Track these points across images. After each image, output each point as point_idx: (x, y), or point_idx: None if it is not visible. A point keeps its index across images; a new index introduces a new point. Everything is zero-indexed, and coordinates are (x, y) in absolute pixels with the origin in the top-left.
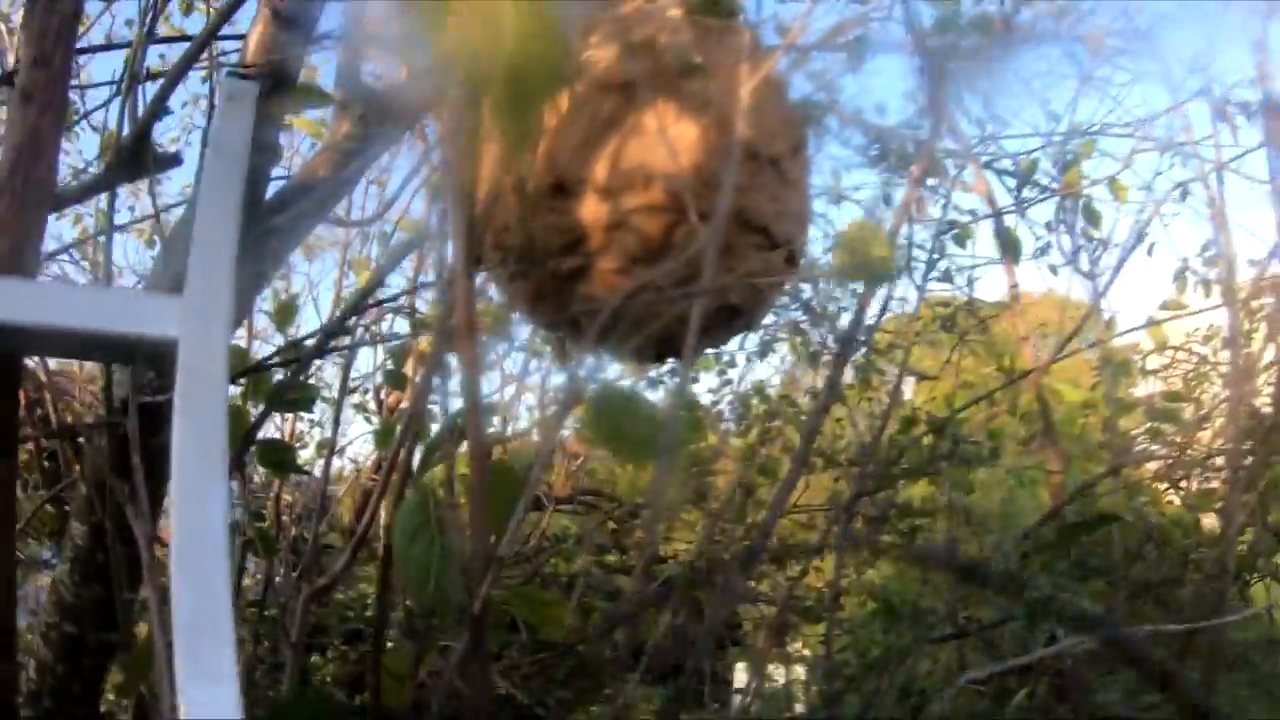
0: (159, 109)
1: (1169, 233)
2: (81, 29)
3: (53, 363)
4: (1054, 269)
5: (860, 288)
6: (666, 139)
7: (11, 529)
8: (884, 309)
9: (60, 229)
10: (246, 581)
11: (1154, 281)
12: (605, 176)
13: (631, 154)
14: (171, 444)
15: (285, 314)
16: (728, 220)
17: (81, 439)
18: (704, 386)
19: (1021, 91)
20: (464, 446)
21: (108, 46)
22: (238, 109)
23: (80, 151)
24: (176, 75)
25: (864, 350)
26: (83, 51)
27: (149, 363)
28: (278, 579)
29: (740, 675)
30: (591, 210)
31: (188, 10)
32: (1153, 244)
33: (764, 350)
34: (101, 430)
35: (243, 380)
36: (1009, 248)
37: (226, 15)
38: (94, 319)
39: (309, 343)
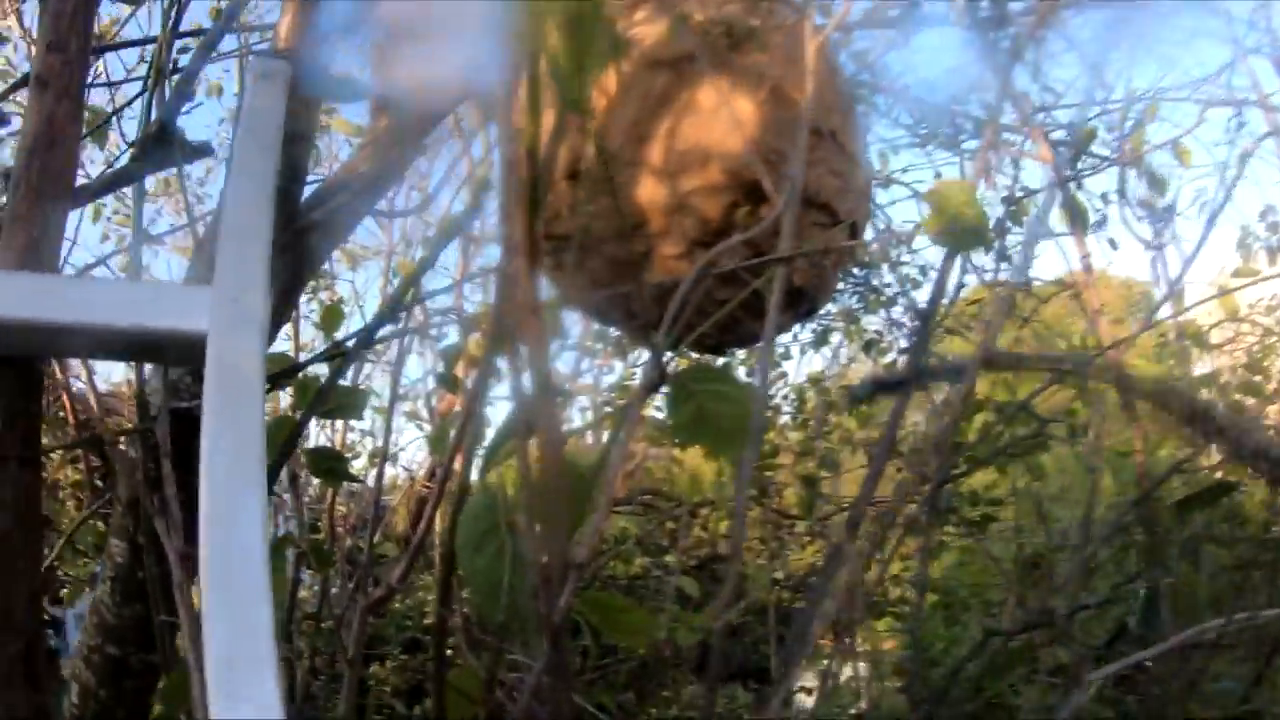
0: (183, 95)
1: (1231, 196)
2: (113, 28)
3: (102, 383)
4: (1113, 243)
5: (944, 255)
6: (722, 116)
7: (38, 544)
8: (960, 285)
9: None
10: (303, 593)
11: (1212, 249)
12: (661, 157)
13: (686, 133)
14: (201, 450)
15: (332, 319)
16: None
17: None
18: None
19: (1073, 58)
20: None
21: (134, 43)
22: (269, 88)
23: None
24: (199, 59)
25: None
26: (112, 48)
27: (182, 362)
28: (333, 590)
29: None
30: (648, 193)
31: (217, 14)
32: (1214, 210)
33: (820, 340)
34: (135, 440)
35: (287, 386)
36: (1078, 218)
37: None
38: (115, 314)
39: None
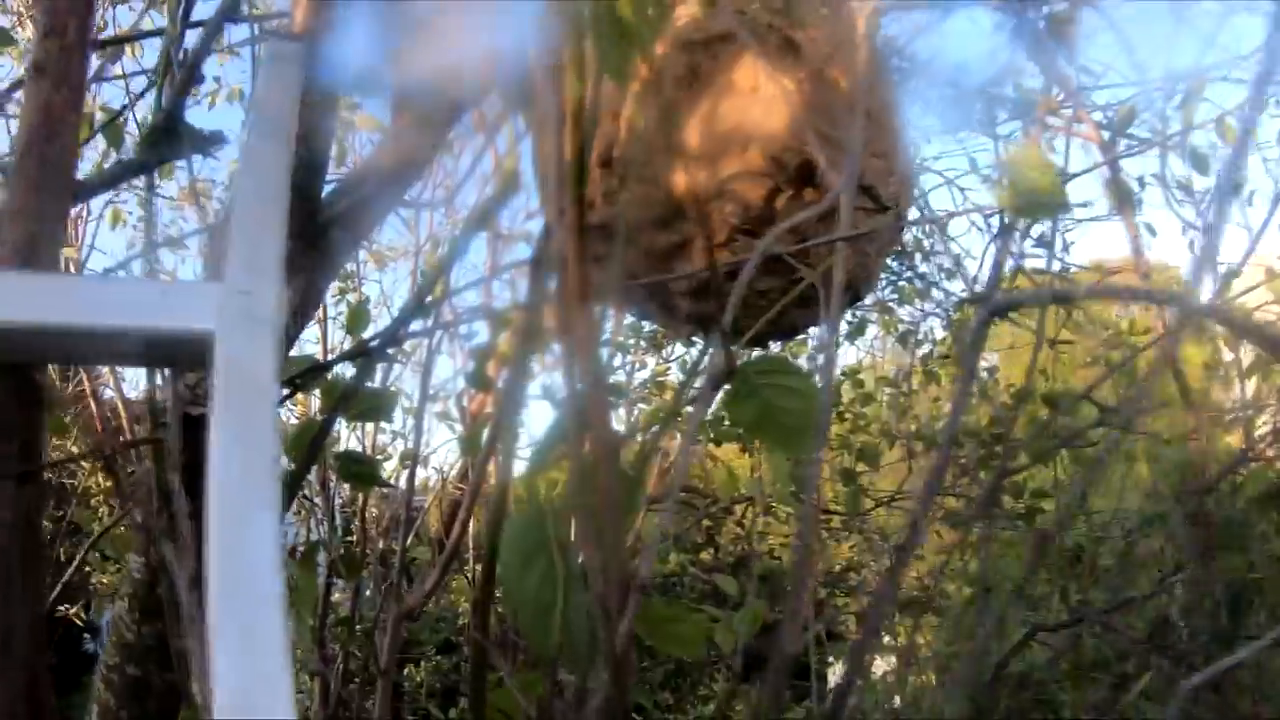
0: (189, 83)
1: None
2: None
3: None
4: (1151, 228)
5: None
6: (762, 97)
7: (40, 569)
8: (1018, 268)
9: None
10: (336, 595)
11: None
12: (698, 142)
13: (724, 116)
14: (209, 460)
15: (358, 319)
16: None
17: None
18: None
19: (1109, 39)
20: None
21: (146, 34)
22: (282, 72)
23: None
24: (205, 43)
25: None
26: (119, 41)
27: (193, 366)
28: (366, 593)
29: (838, 671)
30: (685, 180)
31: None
32: (1252, 191)
33: (855, 332)
34: (148, 451)
35: (315, 388)
36: (1125, 199)
37: None
38: (116, 314)
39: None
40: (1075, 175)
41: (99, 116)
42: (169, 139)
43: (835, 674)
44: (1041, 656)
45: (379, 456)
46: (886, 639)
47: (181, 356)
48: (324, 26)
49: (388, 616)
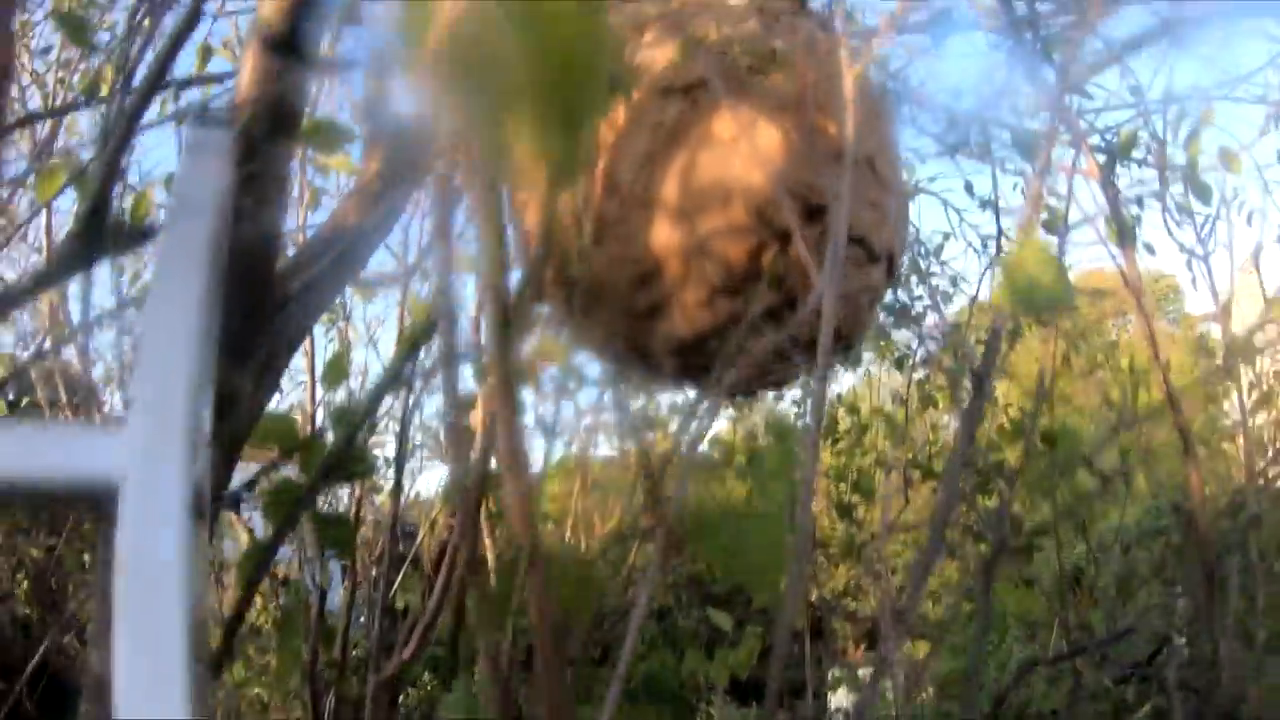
0: (113, 170)
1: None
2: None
3: None
4: (1150, 248)
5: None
6: (743, 147)
7: None
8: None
9: None
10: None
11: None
12: (677, 196)
13: (704, 167)
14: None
15: (335, 373)
16: (830, 236)
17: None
18: (790, 398)
19: (1107, 60)
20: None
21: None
22: (201, 165)
23: None
24: (127, 127)
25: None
26: (61, 112)
27: (103, 517)
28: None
29: (840, 695)
30: (664, 236)
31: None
32: (1251, 212)
33: (850, 362)
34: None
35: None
36: (1126, 235)
37: (177, 44)
38: (10, 461)
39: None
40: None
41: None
42: (93, 237)
43: (835, 697)
44: (1040, 687)
45: (372, 490)
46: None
47: (88, 505)
48: (277, 86)
49: (371, 682)
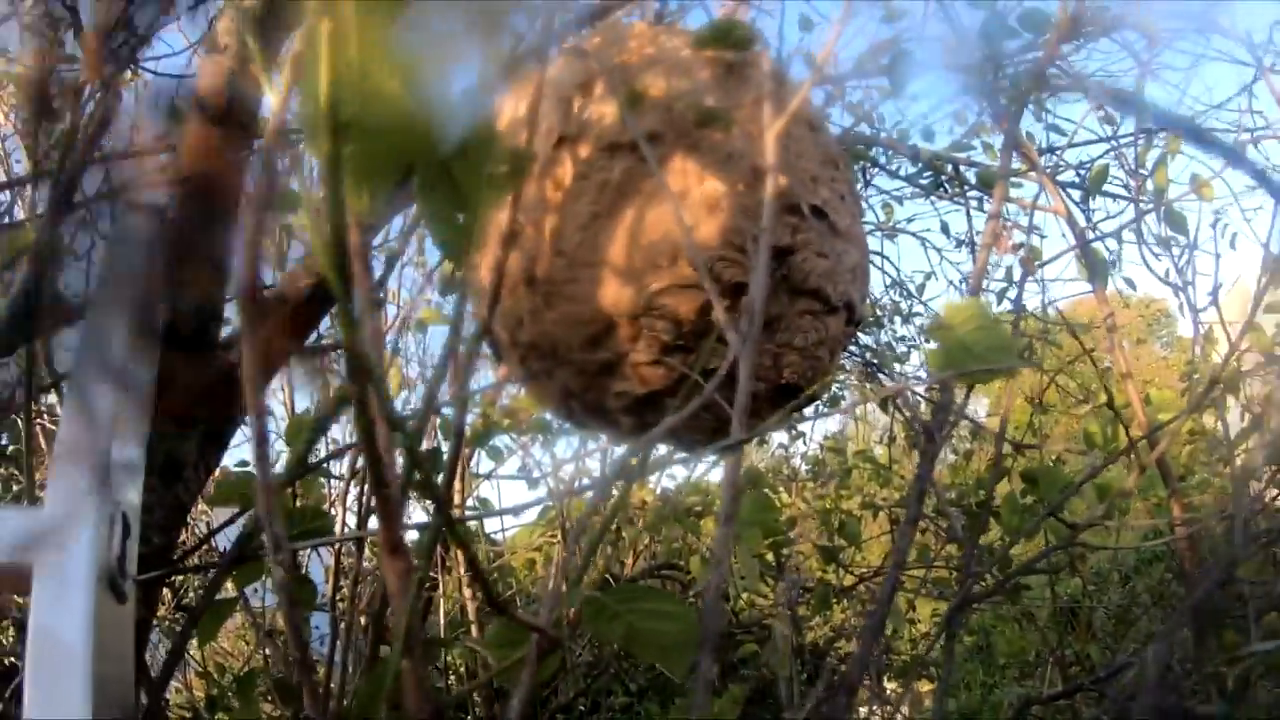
0: (50, 249)
1: (1251, 225)
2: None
3: None
4: (1131, 283)
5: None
6: (688, 203)
7: None
8: None
9: None
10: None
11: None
12: (624, 255)
13: (651, 225)
14: None
15: (297, 432)
16: (768, 290)
17: None
18: (776, 440)
19: (1078, 93)
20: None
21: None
22: (123, 254)
23: None
24: (54, 212)
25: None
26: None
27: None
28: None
29: None
30: (613, 295)
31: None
32: (1234, 235)
33: (834, 401)
34: None
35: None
36: (1098, 272)
37: (103, 125)
38: None
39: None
40: (1050, 260)
41: None
42: (28, 315)
43: None
44: None
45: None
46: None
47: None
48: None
49: None
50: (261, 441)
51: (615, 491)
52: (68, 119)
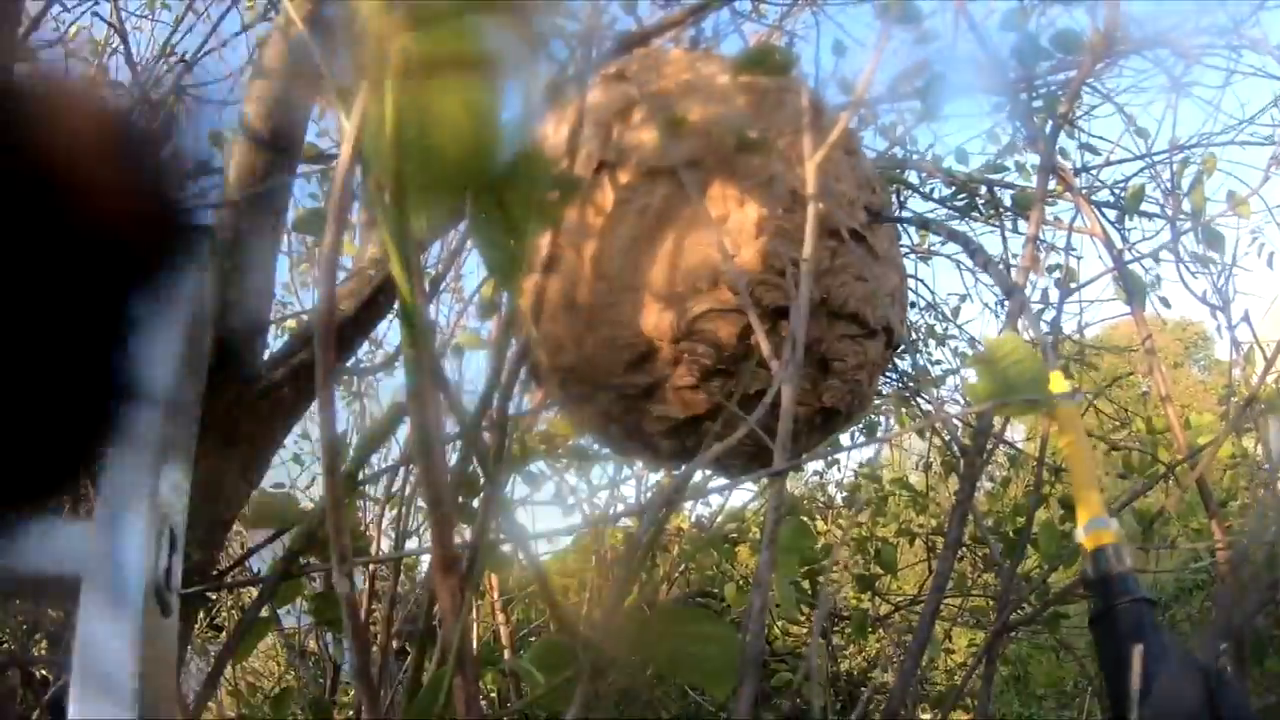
0: None
1: None
2: None
3: None
4: (1166, 302)
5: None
6: (728, 228)
7: None
8: None
9: None
10: None
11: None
12: (665, 279)
13: (691, 250)
14: None
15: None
16: (809, 314)
17: None
18: (810, 467)
19: (1111, 110)
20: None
21: None
22: (180, 275)
23: None
24: None
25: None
26: None
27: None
28: None
29: None
30: (654, 320)
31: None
32: (1271, 254)
33: (869, 429)
34: None
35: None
36: (1136, 294)
37: None
38: None
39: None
40: (1087, 282)
41: None
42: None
43: None
44: None
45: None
46: None
47: (59, 598)
48: (257, 184)
49: None
50: (332, 454)
51: (657, 517)
52: None
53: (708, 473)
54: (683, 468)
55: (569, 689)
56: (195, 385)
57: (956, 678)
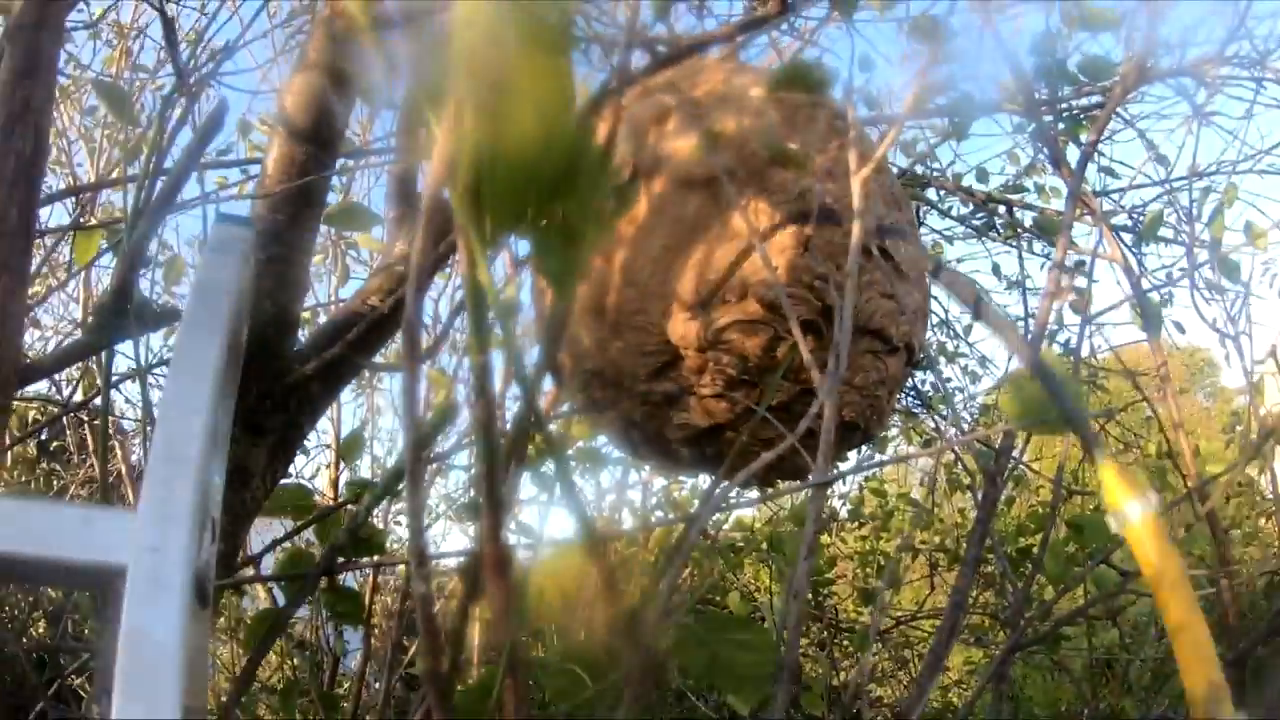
0: (139, 254)
1: None
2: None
3: None
4: (1180, 326)
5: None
6: (759, 241)
7: None
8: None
9: None
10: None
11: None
12: (694, 289)
13: (721, 260)
14: None
15: (351, 449)
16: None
17: None
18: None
19: (1132, 135)
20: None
21: (99, 185)
22: (222, 263)
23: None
24: (156, 211)
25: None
26: (98, 187)
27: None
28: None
29: None
30: (680, 328)
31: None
32: (1275, 276)
33: (877, 447)
34: None
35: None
36: (1152, 322)
37: (205, 138)
38: (19, 541)
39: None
40: (1104, 310)
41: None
42: (118, 316)
43: None
44: None
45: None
46: None
47: (94, 587)
48: (295, 177)
49: None
50: (417, 447)
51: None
52: (154, 125)
53: (725, 482)
54: (731, 482)
55: (609, 692)
56: (233, 377)
57: (951, 695)
